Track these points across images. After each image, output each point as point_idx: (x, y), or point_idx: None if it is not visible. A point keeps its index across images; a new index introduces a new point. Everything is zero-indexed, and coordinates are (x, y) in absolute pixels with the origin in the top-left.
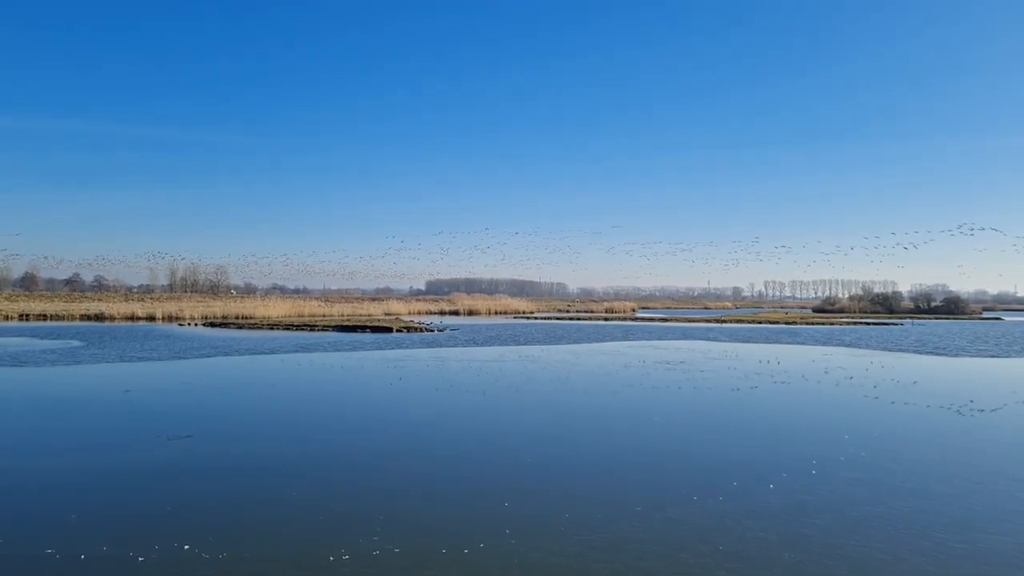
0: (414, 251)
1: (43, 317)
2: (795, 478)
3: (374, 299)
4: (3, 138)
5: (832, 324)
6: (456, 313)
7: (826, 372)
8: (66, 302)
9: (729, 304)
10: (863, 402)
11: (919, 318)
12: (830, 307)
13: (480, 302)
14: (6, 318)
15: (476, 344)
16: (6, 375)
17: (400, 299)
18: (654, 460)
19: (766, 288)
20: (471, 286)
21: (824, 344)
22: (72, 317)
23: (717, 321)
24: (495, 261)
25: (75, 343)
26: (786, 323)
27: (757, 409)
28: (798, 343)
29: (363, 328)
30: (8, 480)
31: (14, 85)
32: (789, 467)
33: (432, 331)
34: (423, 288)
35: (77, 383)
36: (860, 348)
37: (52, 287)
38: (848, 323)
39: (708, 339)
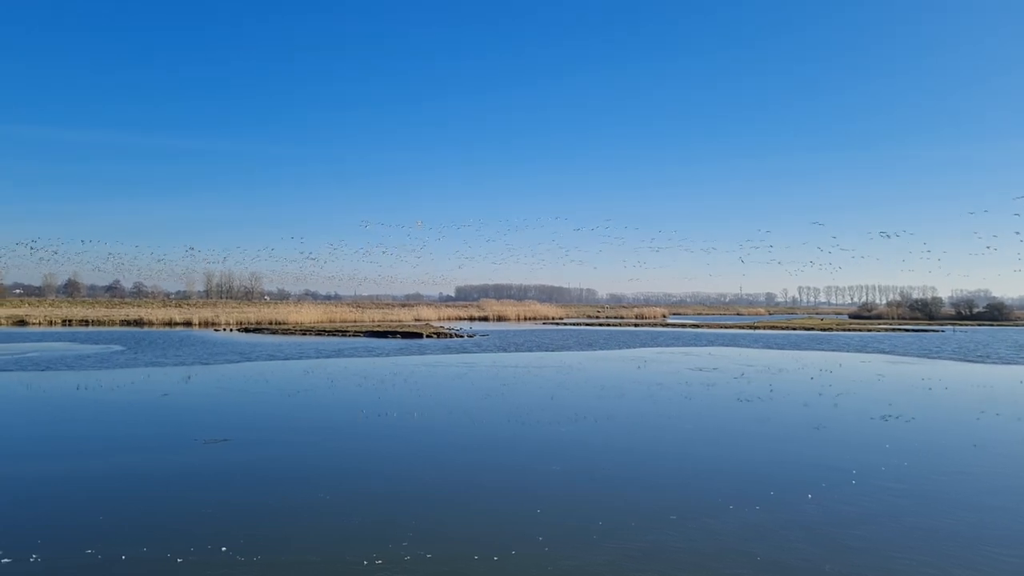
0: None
1: (85, 323)
2: (834, 488)
3: (404, 305)
4: (47, 148)
5: (869, 331)
6: (485, 319)
7: (864, 380)
8: (107, 308)
9: (762, 310)
10: (903, 410)
11: (960, 324)
12: (867, 313)
13: (509, 308)
14: (50, 324)
15: (506, 350)
16: (50, 379)
17: (430, 305)
18: (688, 468)
19: (800, 294)
20: (500, 292)
21: (861, 351)
22: (113, 323)
23: (750, 327)
24: (525, 267)
25: (115, 348)
26: (821, 329)
27: (792, 417)
28: (834, 350)
29: (393, 334)
30: (51, 482)
31: (59, 97)
32: (828, 477)
33: (462, 337)
34: (452, 294)
35: (117, 387)
36: (898, 355)
37: (94, 294)
38: (886, 330)
39: (741, 345)
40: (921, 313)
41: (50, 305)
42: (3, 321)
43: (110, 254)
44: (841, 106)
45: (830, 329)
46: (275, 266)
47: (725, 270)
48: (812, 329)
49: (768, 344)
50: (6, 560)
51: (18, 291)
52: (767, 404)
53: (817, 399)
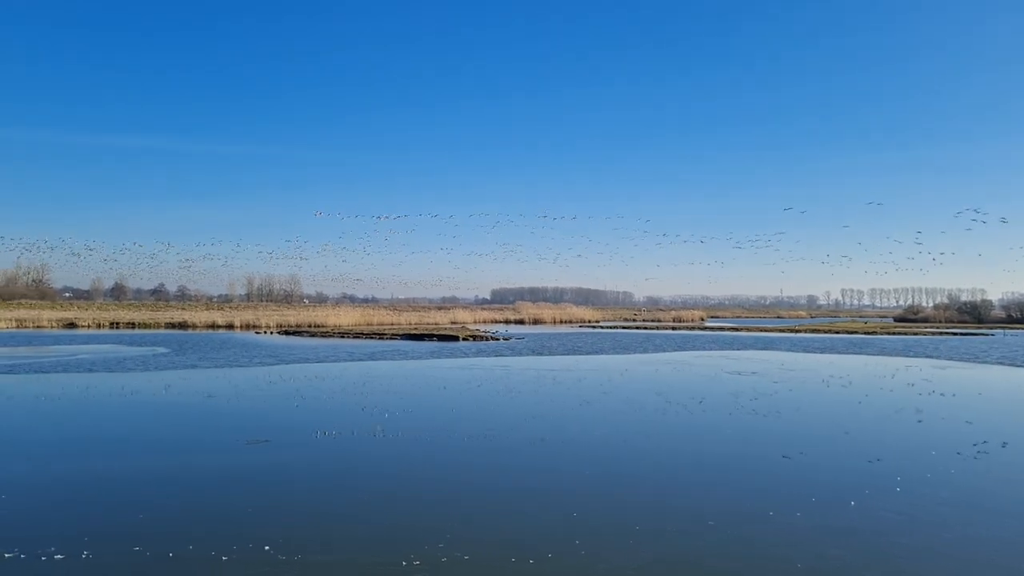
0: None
1: (131, 325)
2: (878, 495)
3: (440, 308)
4: (93, 155)
5: (915, 334)
6: (521, 322)
7: (909, 384)
8: (152, 311)
9: (803, 313)
10: (950, 416)
11: (1012, 328)
12: (912, 316)
13: (545, 311)
14: (99, 326)
15: (541, 353)
16: (98, 381)
17: (466, 308)
18: (727, 473)
19: (843, 296)
20: (535, 295)
21: (906, 355)
22: (158, 325)
23: (791, 331)
24: (560, 269)
25: (160, 350)
26: (865, 333)
27: (835, 421)
28: (878, 354)
29: (430, 336)
30: (98, 481)
31: (107, 106)
32: (871, 483)
33: (498, 340)
34: (488, 297)
35: (162, 389)
36: (944, 359)
37: (139, 297)
38: (932, 333)
39: (780, 349)
40: (970, 316)
41: (98, 308)
42: (54, 324)
43: (153, 255)
44: (892, 108)
45: (874, 332)
46: (312, 269)
47: (764, 271)
48: (855, 332)
49: (809, 348)
50: (59, 556)
51: (67, 294)
52: (808, 408)
53: (860, 404)
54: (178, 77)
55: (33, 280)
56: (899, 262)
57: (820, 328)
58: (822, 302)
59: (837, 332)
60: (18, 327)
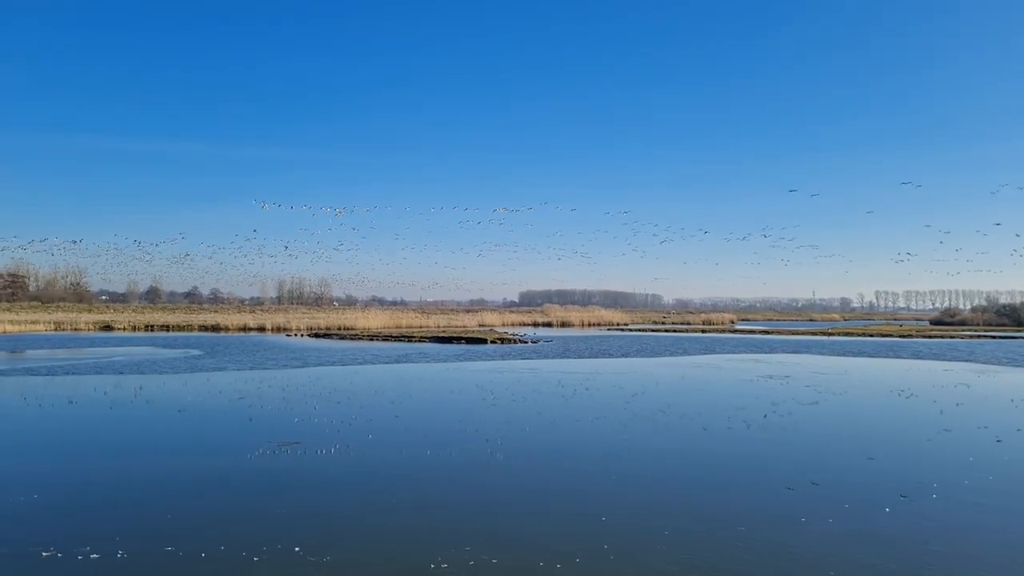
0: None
1: (165, 328)
2: (914, 502)
3: (468, 310)
4: (127, 161)
5: (952, 337)
6: (549, 325)
7: (947, 388)
8: (186, 314)
9: (836, 316)
10: (989, 421)
11: None
12: (950, 319)
13: (573, 314)
14: (134, 329)
15: (569, 356)
16: (132, 382)
17: (494, 310)
18: (758, 478)
19: (877, 299)
20: (564, 297)
21: (944, 359)
22: (191, 328)
23: (824, 334)
24: (589, 272)
25: (194, 353)
26: (900, 336)
27: (869, 426)
28: (914, 357)
29: (458, 339)
30: (131, 481)
31: (137, 111)
32: (907, 490)
33: (526, 343)
34: (516, 300)
35: (195, 390)
36: (984, 363)
37: (173, 300)
38: (970, 336)
39: (813, 352)
40: (1009, 319)
41: (133, 311)
42: (91, 326)
43: (187, 255)
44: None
45: (909, 335)
46: (341, 273)
47: (797, 273)
48: (890, 335)
49: (842, 351)
50: (94, 556)
51: (104, 297)
52: (840, 412)
53: (895, 408)
54: (213, 84)
55: (71, 283)
56: (974, 259)
57: (854, 331)
58: (856, 305)
59: (871, 335)
60: (56, 329)
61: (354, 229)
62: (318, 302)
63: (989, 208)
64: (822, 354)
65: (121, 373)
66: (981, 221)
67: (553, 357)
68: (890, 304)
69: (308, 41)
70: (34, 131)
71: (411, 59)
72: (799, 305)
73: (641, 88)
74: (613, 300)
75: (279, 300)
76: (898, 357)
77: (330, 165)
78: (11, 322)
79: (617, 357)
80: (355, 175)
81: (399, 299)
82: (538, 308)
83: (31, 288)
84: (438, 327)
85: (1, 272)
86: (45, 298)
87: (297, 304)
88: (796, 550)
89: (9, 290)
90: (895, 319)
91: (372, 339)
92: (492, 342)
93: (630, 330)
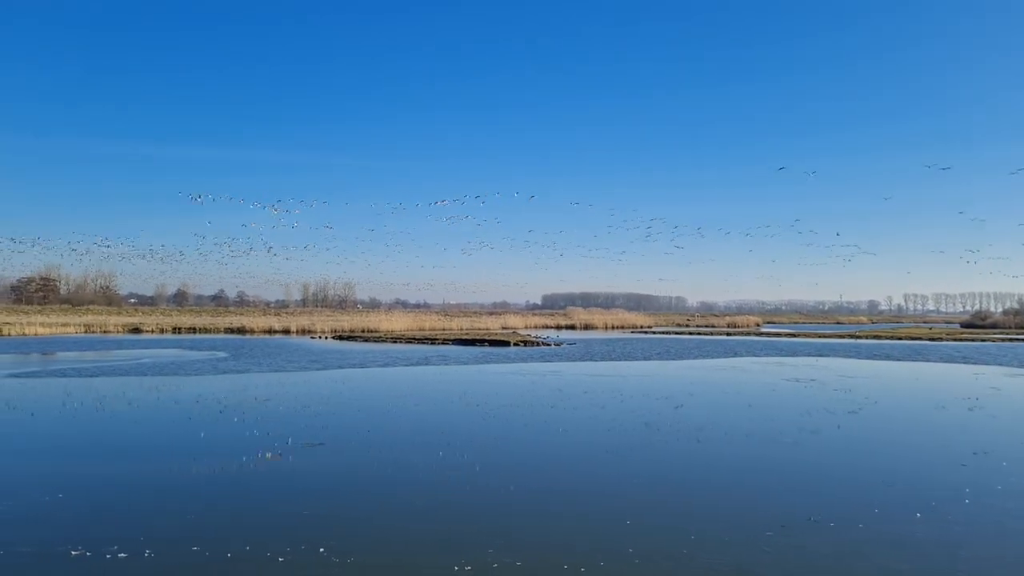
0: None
1: (192, 330)
2: (945, 506)
3: (492, 313)
4: (154, 166)
5: (983, 340)
6: (572, 327)
7: (978, 392)
8: (212, 316)
9: (864, 319)
10: (1020, 426)
11: None
12: (980, 322)
13: (596, 316)
14: (161, 331)
15: (593, 359)
16: (160, 384)
17: (517, 313)
18: (785, 482)
19: (906, 302)
20: (587, 300)
21: (974, 363)
22: (217, 330)
23: (851, 337)
24: (612, 274)
25: (220, 355)
26: (930, 339)
27: (899, 430)
28: (944, 361)
29: (481, 342)
30: (157, 482)
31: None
32: (938, 495)
33: (548, 345)
34: (539, 302)
35: (220, 392)
36: (1017, 367)
37: (200, 303)
38: (1001, 339)
39: (840, 356)
40: None
41: (161, 314)
42: (120, 329)
43: (217, 261)
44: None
45: (939, 339)
46: (366, 276)
47: (826, 276)
48: (919, 339)
49: (871, 354)
50: (122, 555)
51: (132, 300)
52: (870, 417)
53: (925, 412)
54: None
55: (101, 286)
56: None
57: (882, 334)
58: (884, 307)
59: (900, 338)
60: (86, 332)
61: (328, 227)
62: (342, 305)
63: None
64: (850, 357)
65: (148, 375)
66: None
67: (576, 360)
68: (919, 307)
69: (352, 52)
70: (65, 134)
71: (435, 62)
72: (826, 308)
73: (666, 90)
74: (636, 303)
75: (303, 303)
76: (927, 360)
77: (354, 170)
78: (42, 324)
79: (640, 360)
80: (381, 178)
81: (422, 302)
82: (561, 311)
83: (62, 291)
84: (461, 329)
85: (33, 276)
86: (75, 301)
87: (321, 307)
88: (824, 555)
89: (40, 293)
90: (924, 322)
91: (395, 341)
92: (515, 344)
93: (653, 333)
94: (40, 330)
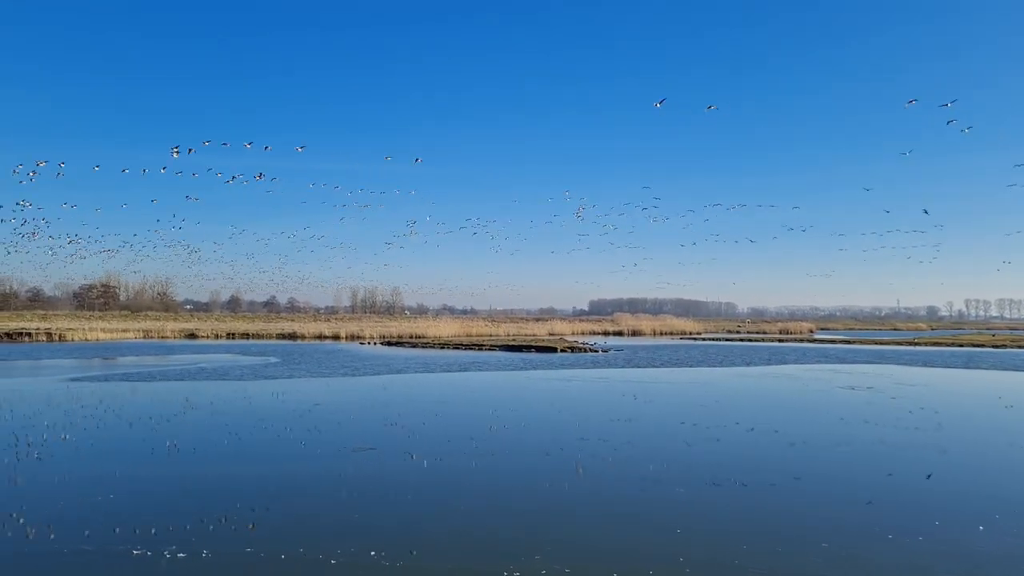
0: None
1: (246, 336)
2: (1010, 520)
3: (538, 319)
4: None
5: None
6: (620, 334)
7: None
8: (264, 322)
9: (923, 325)
10: None
11: None
12: None
13: (644, 322)
14: (216, 336)
15: (641, 365)
16: (214, 389)
17: (563, 319)
18: (841, 492)
19: (967, 307)
20: (634, 306)
21: None
22: (269, 336)
23: (909, 343)
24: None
25: (272, 360)
26: (993, 346)
27: (961, 440)
28: (1011, 369)
29: (528, 348)
30: (213, 484)
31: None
32: (1002, 508)
33: (596, 351)
34: (586, 308)
35: (272, 397)
36: None
37: (253, 309)
38: None
39: (898, 363)
40: None
41: (216, 319)
42: (176, 334)
43: (263, 271)
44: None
45: (1003, 346)
46: (413, 282)
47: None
48: (982, 346)
49: (931, 362)
50: (181, 555)
51: (188, 306)
52: (931, 426)
53: (987, 422)
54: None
55: (158, 293)
56: None
57: (942, 341)
58: (944, 313)
59: (961, 345)
60: (144, 337)
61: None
62: (390, 311)
63: None
64: (908, 365)
65: (204, 379)
66: None
67: (624, 366)
68: (981, 313)
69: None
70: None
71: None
72: (882, 314)
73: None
74: (685, 309)
75: (352, 309)
76: (993, 369)
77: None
78: (103, 330)
79: (690, 367)
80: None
81: (469, 308)
82: (608, 317)
83: (121, 298)
84: (508, 335)
85: (94, 283)
86: (134, 307)
87: (370, 313)
88: (880, 568)
89: (101, 300)
90: (988, 328)
91: (443, 347)
92: (562, 351)
93: (703, 339)
94: (101, 335)
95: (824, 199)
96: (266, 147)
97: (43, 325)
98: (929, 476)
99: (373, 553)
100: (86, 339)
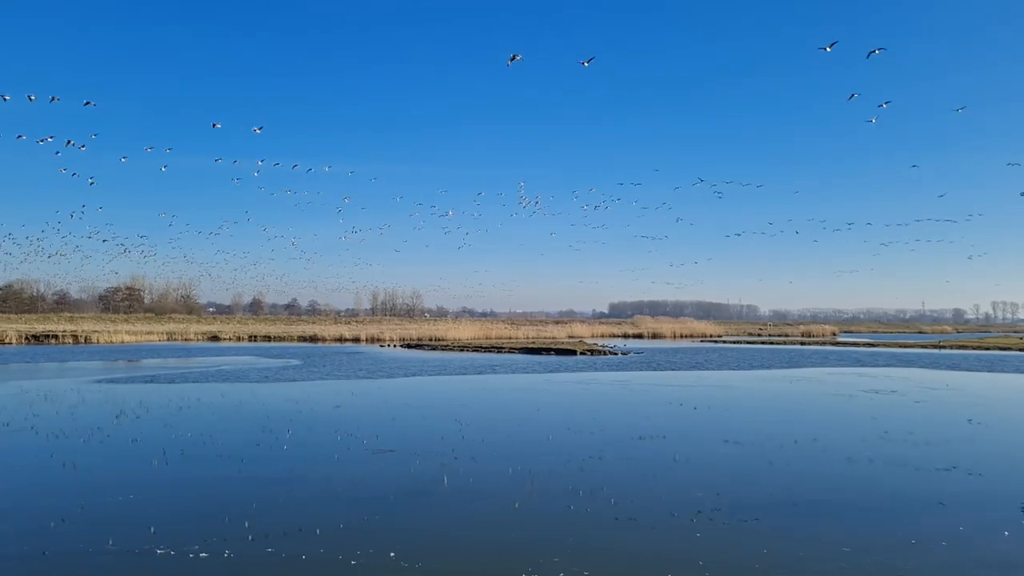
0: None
1: (267, 338)
2: None
3: (558, 322)
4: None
5: None
6: (639, 336)
7: None
8: (286, 324)
9: (949, 328)
10: None
11: None
12: None
13: (664, 325)
14: (238, 339)
15: (661, 368)
16: (236, 390)
17: (583, 322)
18: (864, 498)
19: (994, 310)
20: (655, 308)
21: None
22: (291, 338)
23: (934, 347)
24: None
25: (293, 362)
26: (1020, 350)
27: (987, 444)
28: None
29: (547, 350)
30: (235, 485)
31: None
32: None
33: (616, 354)
34: (606, 311)
35: (293, 399)
36: None
37: (274, 311)
38: None
39: (922, 366)
40: None
41: (238, 322)
42: (199, 336)
43: (283, 274)
44: None
45: None
46: (432, 285)
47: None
48: (1009, 349)
49: (956, 365)
50: (203, 555)
51: (211, 309)
52: (956, 430)
53: (1010, 422)
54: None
55: (182, 296)
56: None
57: (968, 344)
58: (970, 316)
59: (988, 348)
60: (168, 339)
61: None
62: (410, 313)
63: None
64: (934, 368)
65: (226, 381)
66: None
67: (644, 369)
68: (1008, 315)
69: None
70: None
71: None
72: (907, 316)
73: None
74: (706, 311)
75: (373, 312)
76: (1019, 371)
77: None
78: (128, 333)
79: (711, 370)
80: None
81: (489, 311)
82: (628, 320)
83: (146, 301)
84: (527, 338)
85: (119, 286)
86: (158, 310)
87: (390, 315)
88: (905, 572)
89: (126, 302)
90: (1015, 331)
91: (462, 350)
92: (581, 353)
93: (724, 342)
94: (126, 338)
95: (859, 196)
96: (294, 165)
97: (69, 327)
98: (955, 479)
99: (392, 554)
100: (111, 341)
